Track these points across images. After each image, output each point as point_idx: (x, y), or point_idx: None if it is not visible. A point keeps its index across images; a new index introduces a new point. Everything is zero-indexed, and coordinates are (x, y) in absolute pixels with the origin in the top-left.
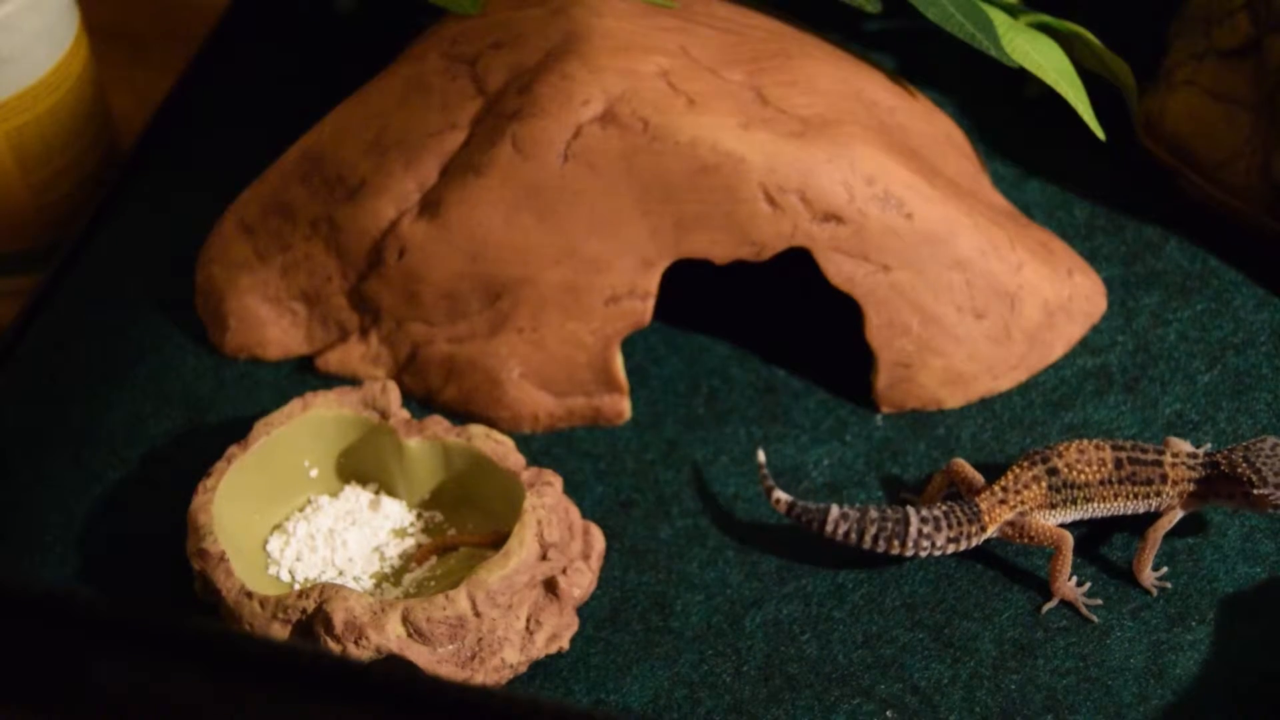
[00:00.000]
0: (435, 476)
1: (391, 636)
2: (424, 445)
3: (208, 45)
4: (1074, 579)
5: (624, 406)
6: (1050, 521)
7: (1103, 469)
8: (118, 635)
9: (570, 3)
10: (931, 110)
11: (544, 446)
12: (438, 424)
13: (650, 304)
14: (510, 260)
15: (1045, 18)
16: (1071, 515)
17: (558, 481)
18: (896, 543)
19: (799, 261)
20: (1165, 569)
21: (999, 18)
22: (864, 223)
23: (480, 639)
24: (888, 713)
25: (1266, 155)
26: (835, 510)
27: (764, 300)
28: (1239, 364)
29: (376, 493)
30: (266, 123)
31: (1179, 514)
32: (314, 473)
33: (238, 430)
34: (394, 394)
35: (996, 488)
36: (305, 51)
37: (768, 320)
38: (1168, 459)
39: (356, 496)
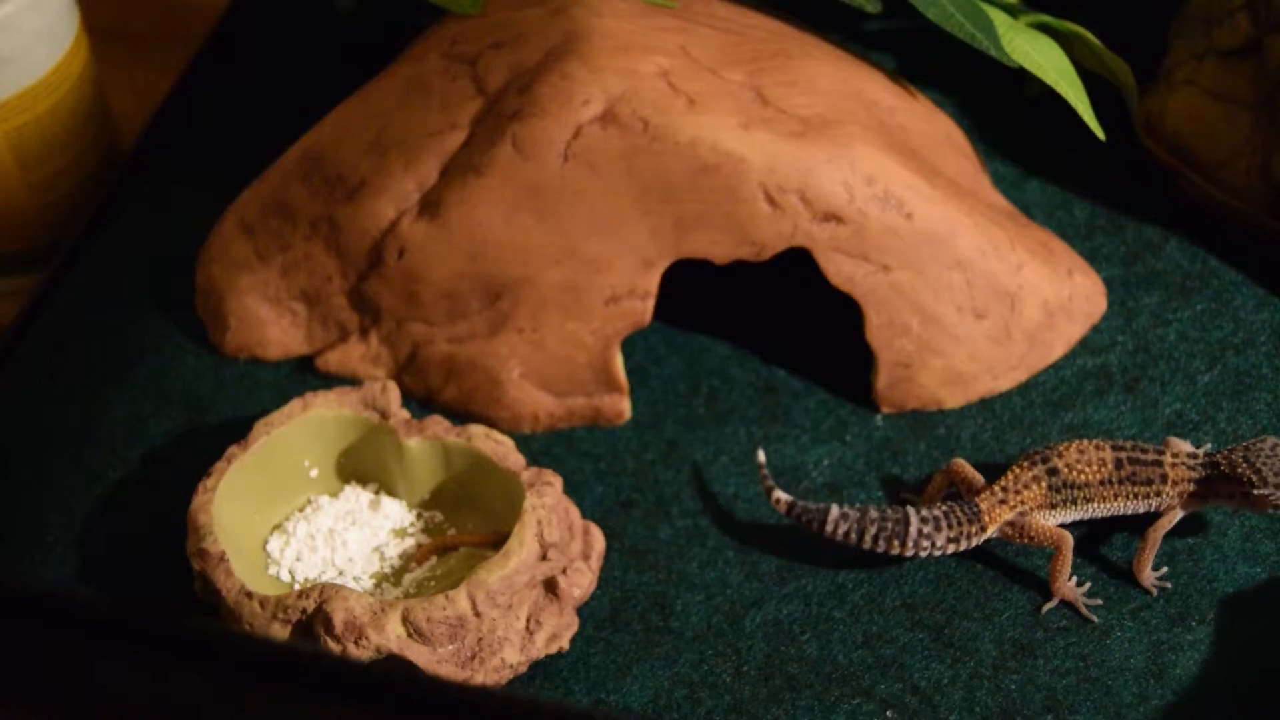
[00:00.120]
0: (435, 476)
1: (391, 636)
2: (424, 445)
3: (208, 45)
4: (1074, 579)
5: (624, 406)
6: (1050, 521)
7: (1103, 469)
8: (118, 635)
9: (570, 3)
10: (931, 110)
11: (544, 446)
12: (438, 424)
13: (650, 304)
14: (510, 260)
15: (1045, 18)
16: (1071, 515)
17: (558, 481)
18: (896, 543)
19: (799, 261)
20: (1165, 569)
21: (999, 18)
22: (864, 223)
23: (480, 639)
24: (888, 713)
25: (1266, 155)
26: (835, 510)
27: (764, 300)
28: (1239, 364)
29: (376, 493)
30: (266, 123)
31: (1179, 514)
32: (314, 473)
33: (238, 430)
34: (394, 394)
35: (996, 488)
36: (305, 51)
37: (768, 320)
38: (1168, 459)
39: (356, 496)
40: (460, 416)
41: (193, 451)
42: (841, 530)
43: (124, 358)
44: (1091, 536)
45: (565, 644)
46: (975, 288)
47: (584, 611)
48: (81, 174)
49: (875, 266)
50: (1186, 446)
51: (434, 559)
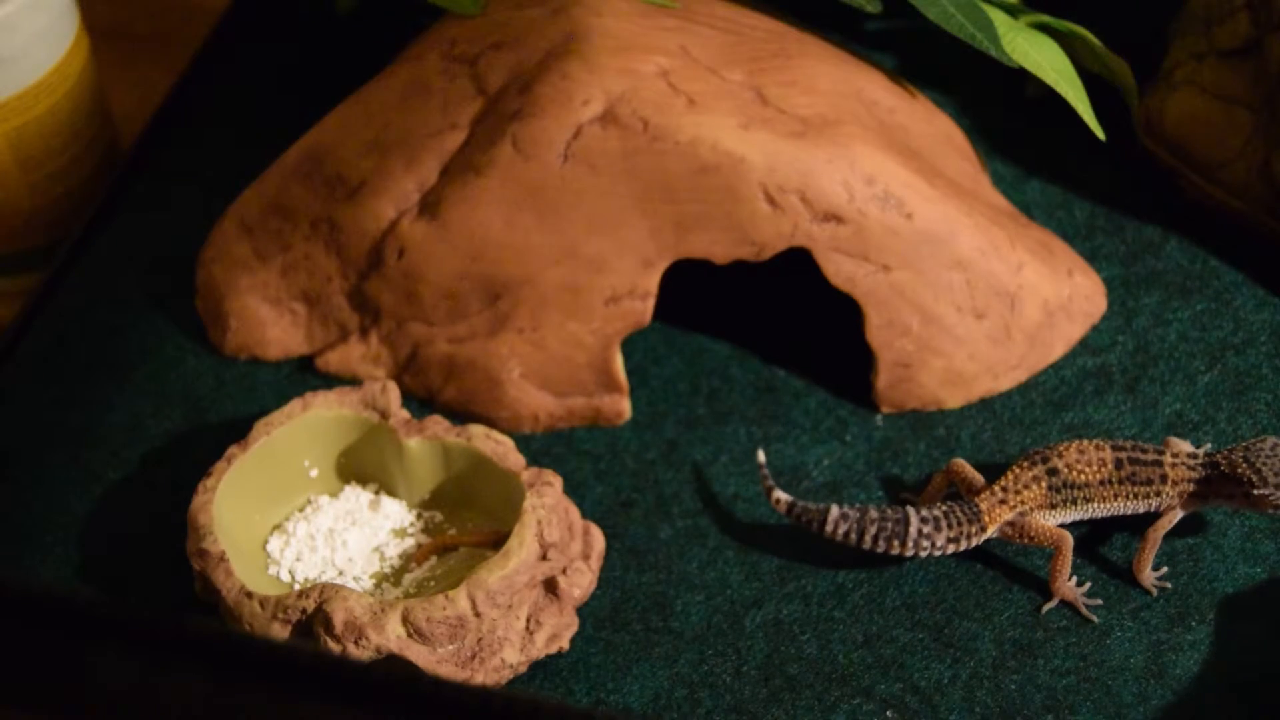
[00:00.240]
0: (435, 476)
1: (391, 636)
2: (424, 445)
3: (208, 45)
4: (1074, 579)
5: (624, 406)
6: (1050, 521)
7: (1103, 469)
8: (118, 635)
9: (570, 3)
10: (931, 110)
11: (544, 446)
12: (438, 424)
13: (650, 304)
14: (510, 260)
15: (1045, 18)
16: (1071, 515)
17: (558, 481)
18: (896, 543)
19: (799, 261)
20: (1165, 569)
21: (999, 18)
22: (864, 223)
23: (480, 639)
24: (888, 713)
25: (1266, 155)
26: (835, 510)
27: (764, 300)
28: (1239, 364)
29: (376, 493)
30: (266, 123)
31: (1179, 514)
32: (314, 473)
33: (238, 430)
34: (394, 394)
35: (996, 488)
36: (305, 51)
37: (768, 320)
38: (1168, 459)
39: (356, 496)
40: (460, 416)
41: (193, 451)
42: (841, 530)
43: (124, 358)
44: (1091, 536)
45: (565, 644)
46: (975, 288)
47: (584, 611)
48: (81, 174)
49: (875, 266)
50: (1186, 446)
51: (434, 559)
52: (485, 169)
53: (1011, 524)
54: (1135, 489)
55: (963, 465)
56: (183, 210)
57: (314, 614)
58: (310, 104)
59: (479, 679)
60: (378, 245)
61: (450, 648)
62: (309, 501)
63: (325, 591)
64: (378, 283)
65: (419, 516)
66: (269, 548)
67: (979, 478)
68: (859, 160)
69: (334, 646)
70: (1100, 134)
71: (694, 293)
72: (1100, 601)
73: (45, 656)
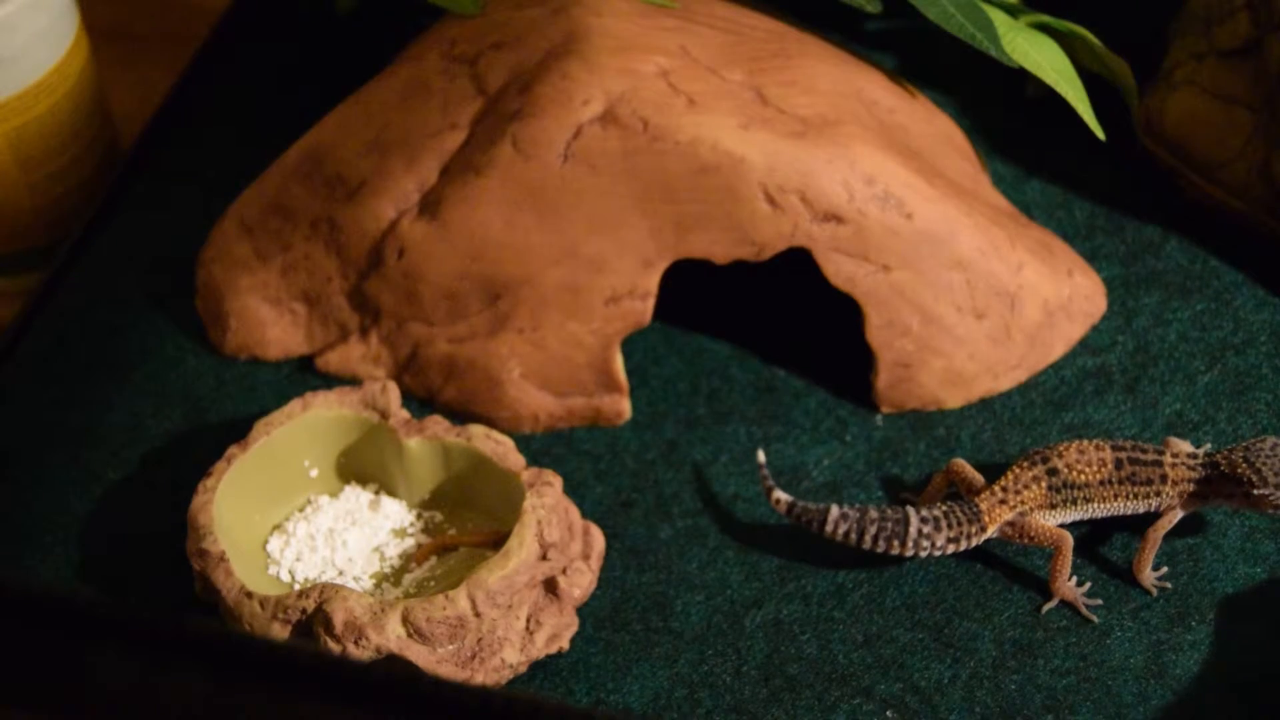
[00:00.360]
0: (435, 476)
1: (391, 636)
2: (424, 445)
3: (208, 45)
4: (1074, 579)
5: (624, 406)
6: (1050, 522)
7: (1103, 469)
8: (118, 635)
9: (570, 3)
10: (931, 110)
11: (544, 446)
12: (438, 424)
13: (650, 304)
14: (510, 260)
15: (1045, 18)
16: (1071, 515)
17: (558, 481)
18: (896, 543)
19: (799, 261)
20: (1165, 569)
21: (999, 18)
22: (864, 223)
23: (480, 639)
24: (888, 713)
25: (1266, 155)
26: (835, 510)
27: (764, 300)
28: (1239, 364)
29: (376, 493)
30: (266, 123)
31: (1179, 514)
32: (314, 473)
33: (238, 430)
34: (394, 394)
35: (996, 488)
36: (305, 51)
37: (768, 320)
38: (1168, 459)
39: (356, 496)
40: (460, 416)
41: (193, 451)
42: (841, 530)
43: (124, 358)
44: (1091, 536)
45: (565, 644)
46: (975, 288)
47: (584, 611)
48: (81, 174)
49: (875, 266)
50: (1186, 446)
51: (434, 559)
52: (485, 169)
53: (1011, 524)
54: (1135, 489)
55: (963, 465)
56: (183, 210)
57: (314, 614)
58: (310, 104)
59: (479, 679)
60: (378, 245)
61: (450, 648)
62: (309, 501)
63: (325, 591)
64: (378, 283)
65: (419, 516)
66: (269, 548)
67: (979, 478)
68: (859, 160)
69: (334, 646)
70: (1100, 134)
71: (694, 293)
72: (1100, 601)
73: (45, 656)
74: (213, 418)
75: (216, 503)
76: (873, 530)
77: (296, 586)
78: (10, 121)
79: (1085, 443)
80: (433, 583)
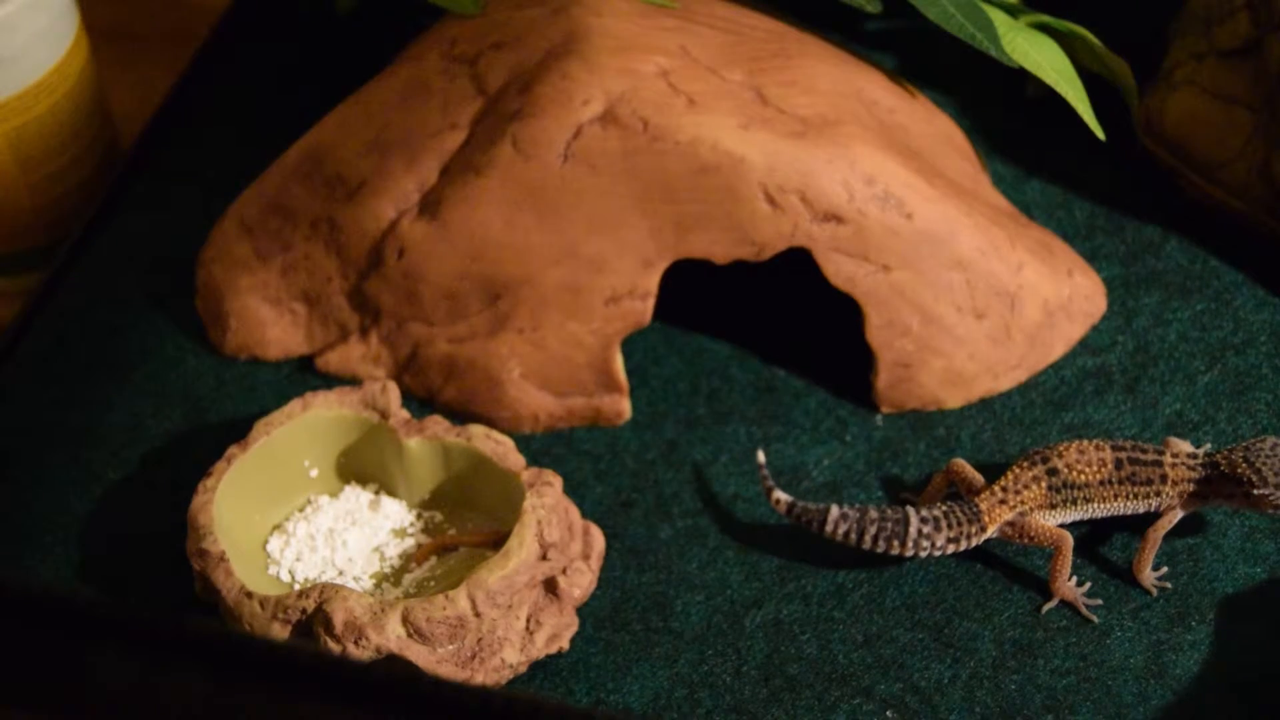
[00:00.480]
0: (435, 476)
1: (391, 636)
2: (424, 445)
3: (208, 45)
4: (1074, 579)
5: (624, 406)
6: (1050, 522)
7: (1103, 469)
8: (118, 635)
9: (570, 3)
10: (931, 110)
11: (544, 446)
12: (438, 424)
13: (650, 304)
14: (510, 260)
15: (1045, 18)
16: (1071, 515)
17: (558, 481)
18: (896, 543)
19: (799, 261)
20: (1165, 569)
21: (999, 18)
22: (864, 223)
23: (480, 639)
24: (888, 713)
25: (1266, 155)
26: (835, 510)
27: (764, 300)
28: (1239, 364)
29: (376, 493)
30: (266, 123)
31: (1179, 514)
32: (314, 473)
33: (238, 430)
34: (394, 394)
35: (996, 488)
36: (305, 51)
37: (768, 320)
38: (1168, 459)
39: (356, 496)
40: (460, 416)
41: (193, 451)
42: (841, 530)
43: (124, 358)
44: (1091, 536)
45: (565, 644)
46: (975, 288)
47: (584, 611)
48: (81, 174)
49: (875, 266)
50: (1186, 446)
51: (434, 559)
52: (485, 169)
53: (1011, 524)
54: (1135, 489)
55: (963, 465)
56: (183, 210)
57: (314, 614)
58: (310, 104)
59: (479, 679)
60: (378, 245)
61: (450, 648)
62: (309, 501)
63: (325, 591)
64: (378, 283)
65: (419, 516)
66: (269, 548)
67: (979, 478)
68: (859, 160)
69: (334, 646)
70: (1100, 134)
71: (694, 293)
72: (1100, 601)
73: (45, 656)
74: (213, 418)
75: (216, 503)
76: (873, 530)
77: (296, 586)
78: (10, 121)
79: (1085, 443)
80: (433, 583)
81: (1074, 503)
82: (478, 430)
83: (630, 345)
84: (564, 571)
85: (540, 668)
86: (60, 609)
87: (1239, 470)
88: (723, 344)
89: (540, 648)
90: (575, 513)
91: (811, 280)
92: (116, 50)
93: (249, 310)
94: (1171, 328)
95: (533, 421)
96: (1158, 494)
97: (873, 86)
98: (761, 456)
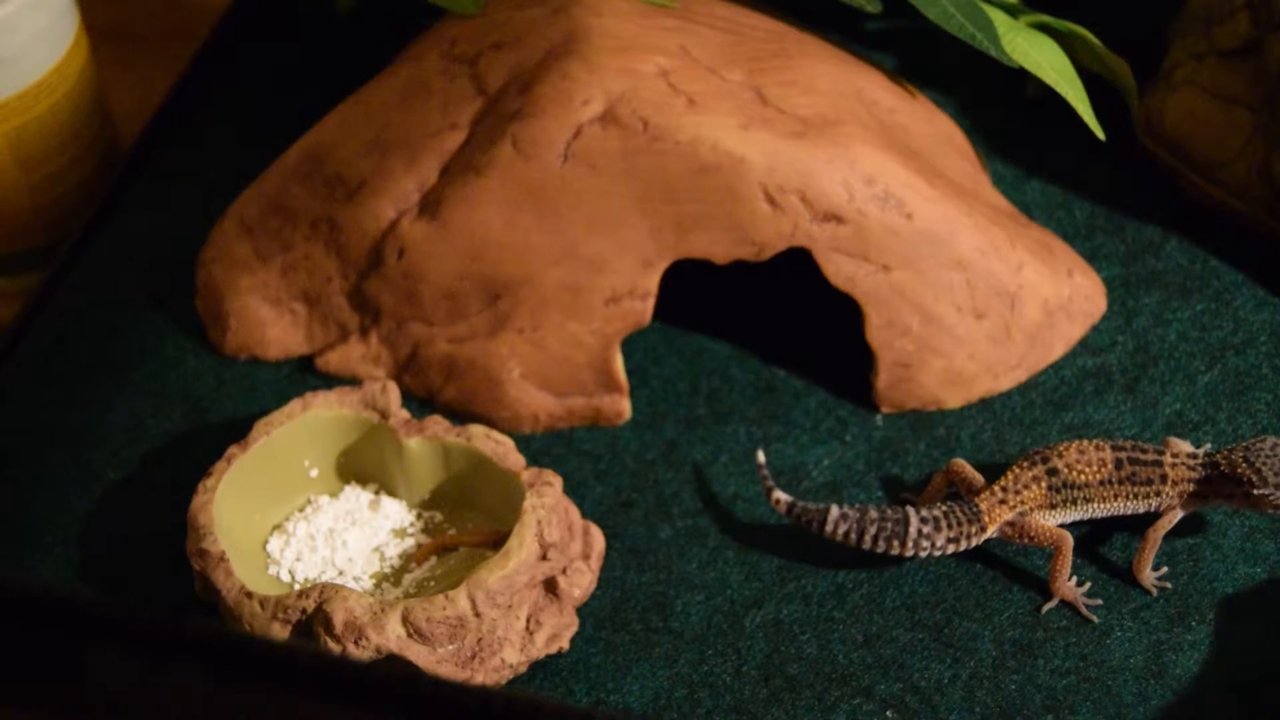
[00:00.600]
0: (435, 476)
1: (391, 636)
2: (424, 445)
3: (208, 45)
4: (1074, 579)
5: (624, 406)
6: (1050, 522)
7: (1103, 469)
8: (118, 635)
9: (570, 3)
10: (931, 110)
11: (544, 446)
12: (438, 424)
13: (650, 304)
14: (510, 260)
15: (1045, 18)
16: (1071, 515)
17: (558, 481)
18: (896, 543)
19: (799, 261)
20: (1165, 569)
21: (999, 18)
22: (864, 223)
23: (480, 639)
24: (888, 713)
25: (1266, 155)
26: (835, 510)
27: (764, 300)
28: (1239, 364)
29: (376, 493)
30: (266, 123)
31: (1179, 514)
32: (314, 473)
33: (238, 430)
34: (394, 394)
35: (996, 488)
36: (305, 51)
37: (768, 320)
38: (1168, 459)
39: (356, 496)
40: (460, 416)
41: (193, 451)
42: (841, 530)
43: (124, 358)
44: (1091, 536)
45: (565, 644)
46: (975, 288)
47: (584, 611)
48: (81, 174)
49: (875, 266)
50: (1186, 446)
51: (434, 559)
52: (485, 169)
53: (1011, 524)
54: (1135, 489)
55: (963, 465)
56: (183, 210)
57: (314, 614)
58: (310, 104)
59: (479, 679)
60: (378, 245)
61: (450, 648)
62: (309, 501)
63: (325, 591)
64: (378, 283)
65: (419, 516)
66: (269, 548)
67: (979, 478)
68: (859, 160)
69: (334, 646)
70: (1100, 134)
71: (694, 293)
72: (1100, 601)
73: (45, 656)
74: (213, 418)
75: (216, 503)
76: (873, 530)
77: (296, 586)
78: (10, 121)
79: (1085, 443)
80: (433, 583)
81: (1074, 503)
82: (478, 430)
83: (630, 345)
84: (564, 571)
85: (540, 668)
86: (60, 609)
87: (1239, 470)
88: (723, 344)
89: (540, 648)
90: (575, 513)
91: (811, 280)
92: (116, 50)
93: (249, 310)
94: (1171, 328)
95: (533, 421)
96: (1158, 494)
97: (873, 86)
98: (761, 456)
